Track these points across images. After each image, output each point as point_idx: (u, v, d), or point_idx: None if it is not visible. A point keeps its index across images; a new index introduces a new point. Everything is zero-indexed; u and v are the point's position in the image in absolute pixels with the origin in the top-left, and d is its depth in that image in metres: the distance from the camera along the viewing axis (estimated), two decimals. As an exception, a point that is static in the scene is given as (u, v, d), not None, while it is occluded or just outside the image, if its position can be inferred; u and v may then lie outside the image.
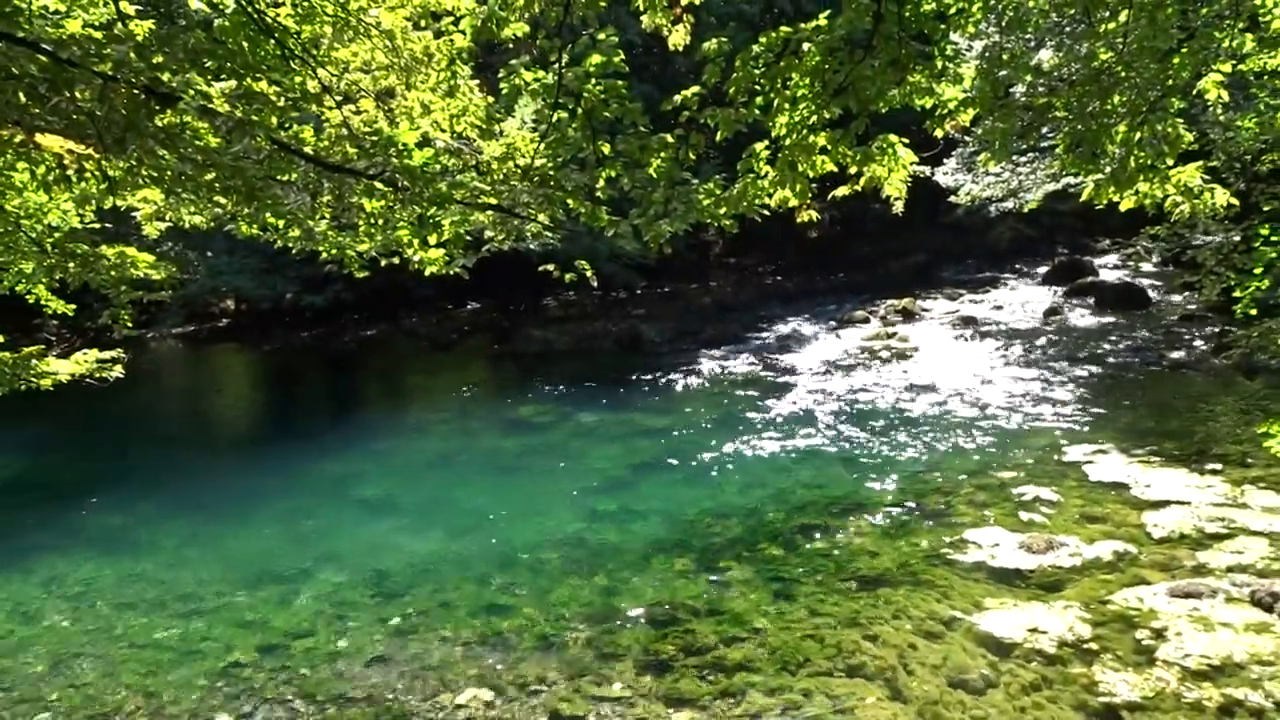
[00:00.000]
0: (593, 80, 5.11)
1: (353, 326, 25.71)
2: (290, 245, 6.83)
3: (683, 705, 5.64)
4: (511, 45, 5.77)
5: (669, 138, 5.26)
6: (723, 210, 5.49)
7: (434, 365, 20.54)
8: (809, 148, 5.12)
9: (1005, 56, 5.80)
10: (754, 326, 21.20)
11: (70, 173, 4.51)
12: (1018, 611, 6.40)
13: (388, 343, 23.64)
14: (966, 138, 20.75)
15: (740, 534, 8.42)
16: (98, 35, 4.10)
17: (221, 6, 5.08)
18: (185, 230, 8.21)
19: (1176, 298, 19.62)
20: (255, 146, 4.57)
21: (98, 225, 7.90)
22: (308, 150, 5.30)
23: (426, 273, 6.88)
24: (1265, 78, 7.46)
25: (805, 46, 4.83)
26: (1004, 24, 6.00)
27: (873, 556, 7.65)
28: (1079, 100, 5.61)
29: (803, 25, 4.86)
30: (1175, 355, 14.58)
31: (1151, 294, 20.05)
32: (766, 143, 5.35)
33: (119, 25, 4.90)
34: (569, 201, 5.72)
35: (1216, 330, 15.37)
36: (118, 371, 8.16)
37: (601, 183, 5.56)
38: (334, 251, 6.80)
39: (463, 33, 5.91)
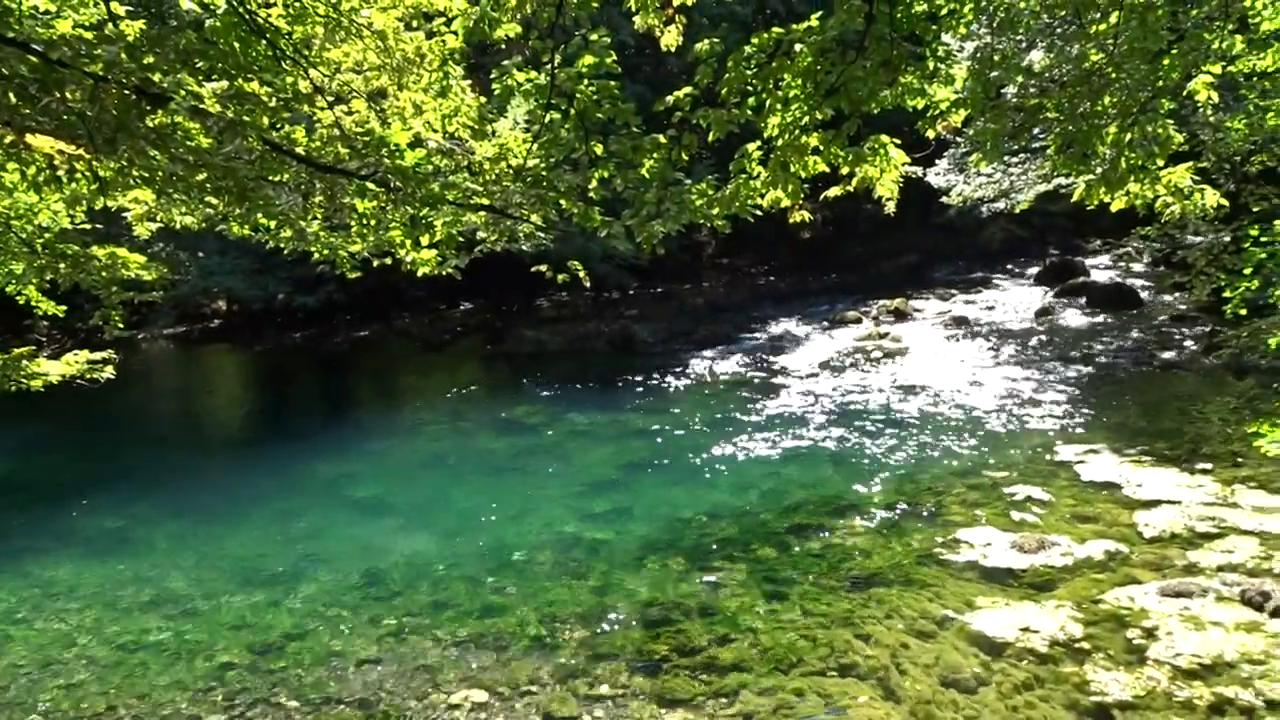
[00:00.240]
0: (585, 81, 5.11)
1: (345, 327, 25.63)
2: (282, 246, 6.82)
3: (675, 705, 5.64)
4: (504, 46, 5.78)
5: (662, 138, 5.26)
6: (715, 211, 5.49)
7: (426, 366, 20.50)
8: (801, 148, 5.13)
9: (997, 57, 5.83)
10: (746, 327, 21.20)
11: (61, 173, 4.49)
12: (1009, 611, 6.43)
13: (380, 343, 23.58)
14: (958, 138, 20.74)
15: (733, 534, 8.43)
16: (88, 36, 4.09)
17: (213, 7, 5.06)
18: (177, 231, 8.19)
19: (1167, 298, 19.70)
20: (247, 147, 4.56)
21: (88, 226, 7.87)
22: (300, 151, 5.28)
23: (419, 273, 6.88)
24: (1254, 79, 7.50)
25: (797, 47, 4.84)
26: (995, 25, 6.03)
27: (865, 556, 7.67)
28: (1070, 101, 5.63)
29: (795, 26, 4.86)
30: (1166, 355, 14.64)
31: (1142, 294, 20.13)
32: (759, 143, 5.35)
33: (110, 26, 4.88)
34: (562, 202, 5.72)
35: (1207, 330, 15.43)
36: (109, 372, 8.14)
37: (594, 183, 5.56)
38: (326, 252, 6.79)
39: (455, 33, 5.92)
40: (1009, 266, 27.89)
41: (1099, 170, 5.78)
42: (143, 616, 7.50)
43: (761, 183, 5.39)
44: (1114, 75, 5.42)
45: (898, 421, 12.02)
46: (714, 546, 8.16)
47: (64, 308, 8.29)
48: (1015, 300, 22.02)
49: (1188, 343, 15.33)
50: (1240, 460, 9.07)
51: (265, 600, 7.67)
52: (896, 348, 17.26)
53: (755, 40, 4.98)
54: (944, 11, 5.32)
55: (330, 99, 6.03)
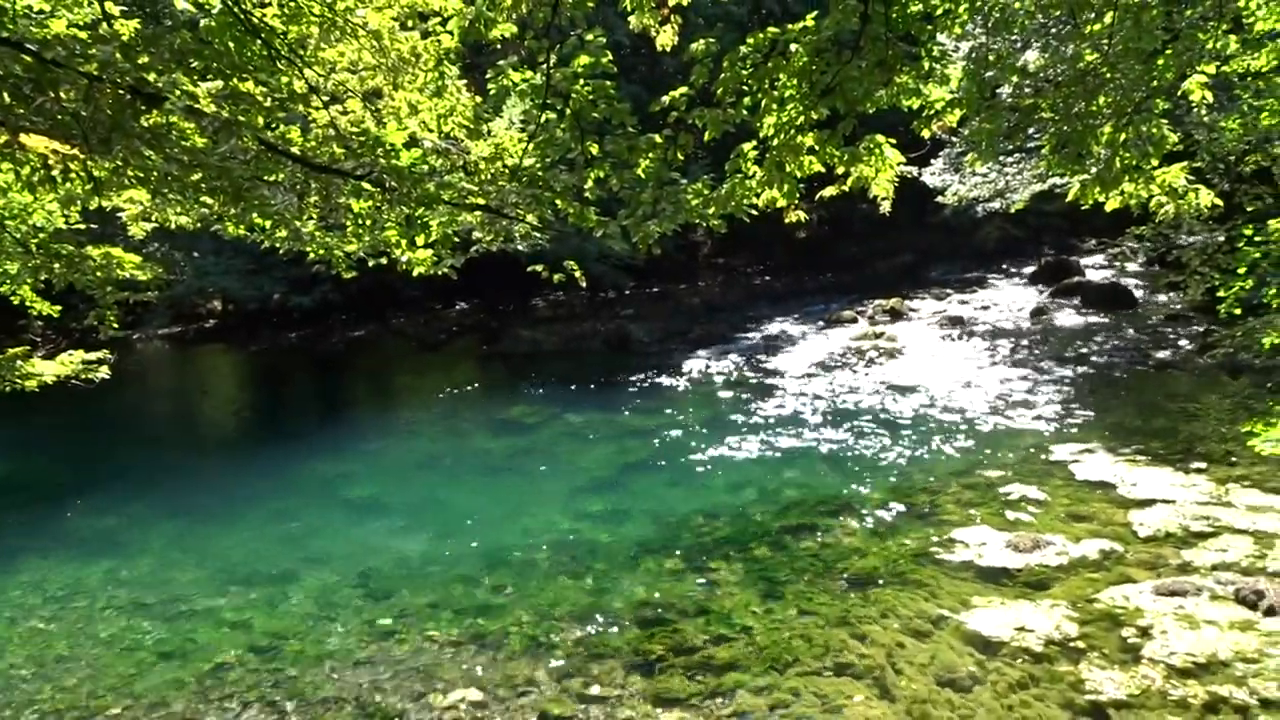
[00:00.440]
0: (581, 81, 5.11)
1: (340, 327, 25.59)
2: (277, 246, 6.80)
3: (672, 705, 5.64)
4: (499, 46, 5.77)
5: (657, 138, 5.26)
6: (711, 210, 5.49)
7: (422, 366, 20.48)
8: (796, 148, 5.13)
9: (992, 57, 5.82)
10: (742, 327, 21.22)
11: (55, 173, 4.48)
12: (1005, 610, 6.44)
13: (375, 343, 23.55)
14: (953, 138, 20.79)
15: (728, 534, 8.43)
16: (83, 35, 4.08)
17: (207, 6, 5.05)
18: (171, 231, 8.17)
19: (1162, 297, 19.76)
20: (242, 147, 4.54)
21: (83, 226, 7.85)
22: (295, 150, 5.27)
23: (414, 273, 6.86)
24: (1249, 79, 7.51)
25: (793, 47, 4.83)
26: (990, 25, 6.02)
27: (860, 556, 7.68)
28: (1065, 101, 5.63)
29: (790, 26, 4.86)
30: (1160, 355, 14.68)
31: (1137, 294, 20.18)
32: (754, 143, 5.35)
33: (104, 25, 4.87)
34: (557, 202, 5.71)
35: (1201, 330, 15.49)
36: (104, 373, 8.13)
37: (590, 183, 5.55)
38: (321, 252, 6.77)
39: (450, 33, 5.91)
40: (1004, 266, 27.94)
41: (1094, 170, 5.78)
42: (138, 617, 7.48)
43: (757, 182, 5.38)
44: (1109, 75, 5.43)
45: (893, 421, 12.03)
46: (710, 546, 8.16)
47: (59, 308, 8.27)
48: (1010, 300, 22.06)
49: (1182, 342, 15.37)
50: (1234, 459, 9.10)
51: (261, 600, 7.66)
52: (892, 347, 17.27)
53: (751, 40, 4.97)
54: (939, 11, 5.31)
55: (325, 99, 6.02)
